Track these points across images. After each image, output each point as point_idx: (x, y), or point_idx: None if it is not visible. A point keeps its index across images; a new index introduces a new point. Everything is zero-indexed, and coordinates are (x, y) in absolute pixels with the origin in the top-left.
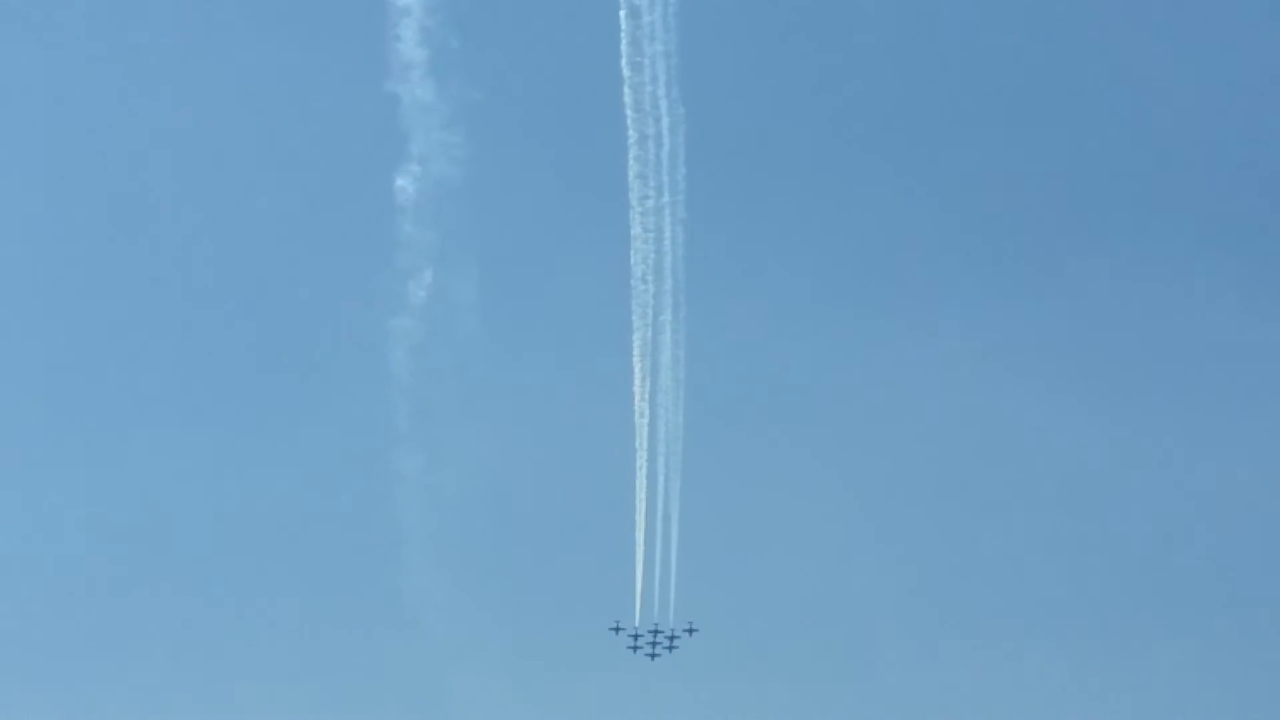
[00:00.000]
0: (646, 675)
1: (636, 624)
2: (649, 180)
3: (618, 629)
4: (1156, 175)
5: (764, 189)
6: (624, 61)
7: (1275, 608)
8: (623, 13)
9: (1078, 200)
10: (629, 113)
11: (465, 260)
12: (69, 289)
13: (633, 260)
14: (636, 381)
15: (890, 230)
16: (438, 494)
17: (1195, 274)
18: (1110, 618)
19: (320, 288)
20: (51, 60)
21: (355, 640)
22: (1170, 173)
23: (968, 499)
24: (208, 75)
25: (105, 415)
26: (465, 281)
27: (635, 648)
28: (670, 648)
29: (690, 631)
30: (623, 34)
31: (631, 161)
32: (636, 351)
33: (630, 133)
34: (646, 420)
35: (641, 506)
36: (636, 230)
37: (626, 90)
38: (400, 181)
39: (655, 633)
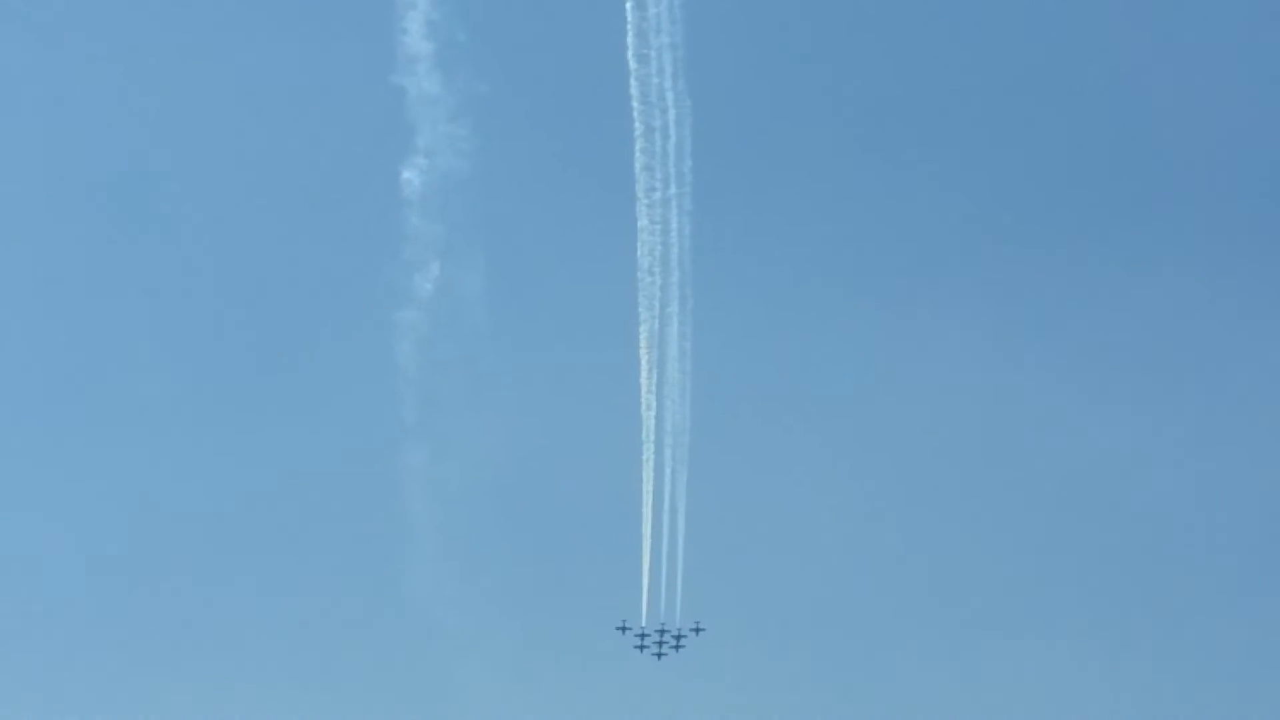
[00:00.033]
0: (653, 675)
1: (643, 623)
2: (655, 172)
3: (624, 628)
4: (1159, 169)
5: (770, 180)
6: (630, 54)
7: None
8: (629, 5)
9: (1085, 191)
10: (635, 105)
11: (472, 253)
12: (70, 285)
13: (639, 252)
14: (643, 373)
15: (897, 221)
16: (443, 486)
17: (1202, 266)
18: (1128, 614)
19: (327, 280)
20: (52, 57)
21: (360, 632)
22: (1175, 163)
23: (978, 492)
24: (214, 68)
25: (109, 409)
26: (472, 274)
27: (642, 647)
28: (677, 647)
29: (697, 631)
30: (629, 26)
31: (638, 153)
32: (643, 343)
33: (637, 125)
34: (653, 412)
35: (648, 501)
36: (643, 222)
37: (633, 82)
38: (406, 174)
39: (662, 632)
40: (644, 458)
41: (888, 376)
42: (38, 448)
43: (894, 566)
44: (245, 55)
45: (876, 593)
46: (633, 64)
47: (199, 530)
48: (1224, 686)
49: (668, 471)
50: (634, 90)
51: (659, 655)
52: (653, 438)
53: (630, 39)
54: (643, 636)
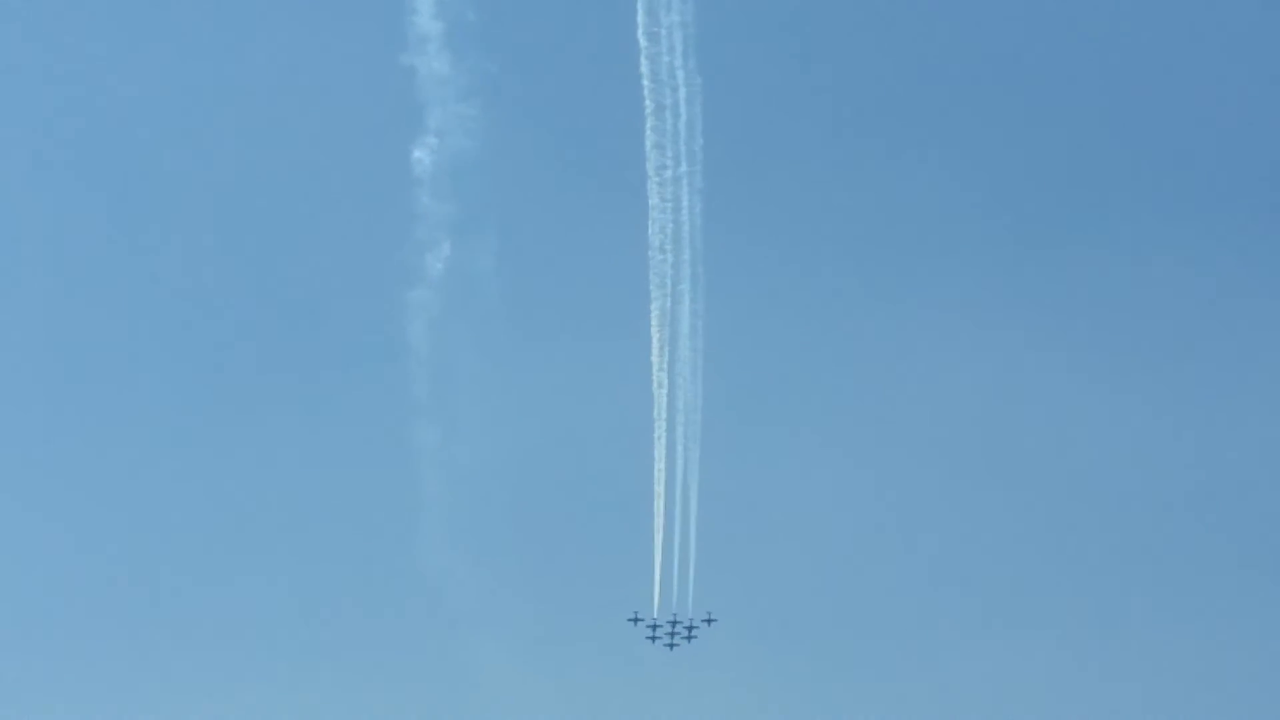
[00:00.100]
0: (665, 666)
1: (655, 614)
2: (666, 150)
3: (636, 619)
4: (1166, 161)
5: (782, 158)
6: (641, 32)
7: None
8: None
9: (1096, 186)
10: (646, 83)
11: (483, 232)
12: (80, 268)
13: (650, 231)
14: (655, 352)
15: (911, 202)
16: (455, 467)
17: (1210, 257)
18: (1141, 612)
19: (337, 261)
20: (50, 44)
21: (371, 615)
22: (1180, 155)
23: (990, 487)
24: (223, 50)
25: (118, 391)
26: (483, 254)
27: (654, 638)
28: (689, 638)
29: (709, 622)
30: (639, 4)
31: (649, 132)
32: (655, 322)
33: (647, 103)
34: (665, 391)
35: (661, 481)
36: (654, 200)
37: (643, 60)
38: (417, 154)
39: (674, 623)
40: (655, 435)
41: (900, 362)
42: (44, 435)
43: (906, 558)
44: (255, 35)
45: (890, 584)
46: (643, 42)
47: (210, 513)
48: (1226, 687)
49: (680, 450)
50: (645, 68)
51: (671, 646)
52: (664, 416)
53: (640, 17)
54: (654, 627)
